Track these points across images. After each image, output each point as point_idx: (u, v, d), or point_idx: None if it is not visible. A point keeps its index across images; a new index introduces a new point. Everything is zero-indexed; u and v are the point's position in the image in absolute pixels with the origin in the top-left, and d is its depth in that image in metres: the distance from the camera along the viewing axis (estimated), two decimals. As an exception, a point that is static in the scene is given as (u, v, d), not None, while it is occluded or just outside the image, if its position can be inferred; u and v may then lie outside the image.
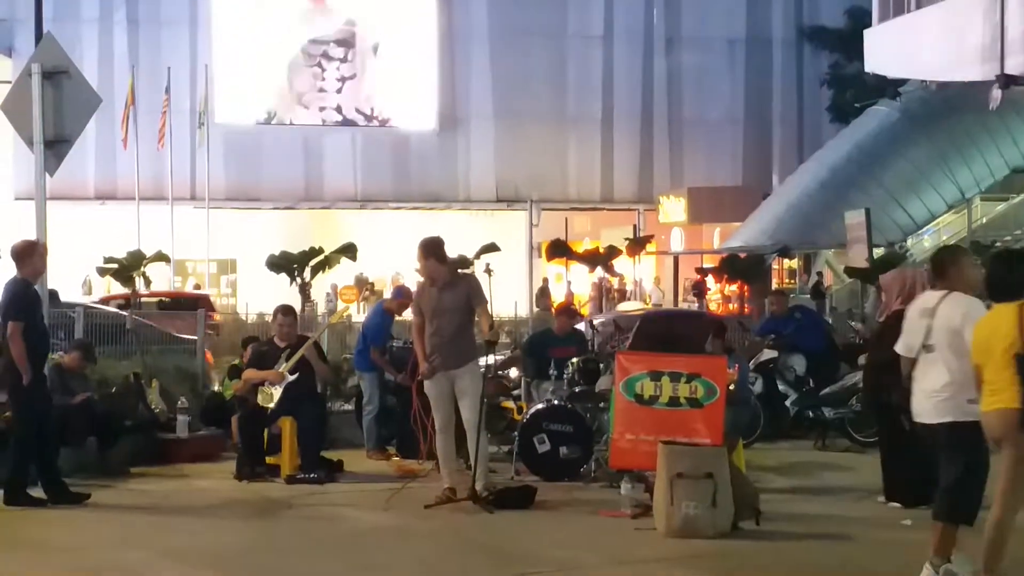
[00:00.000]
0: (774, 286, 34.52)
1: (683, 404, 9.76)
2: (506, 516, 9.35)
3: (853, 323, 19.18)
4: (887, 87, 36.93)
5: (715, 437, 9.46)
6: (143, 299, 25.35)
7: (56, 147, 11.10)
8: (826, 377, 14.01)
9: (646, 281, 43.66)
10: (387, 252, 38.31)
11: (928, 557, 7.04)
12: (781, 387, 14.18)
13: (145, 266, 25.83)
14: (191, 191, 42.10)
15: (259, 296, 28.97)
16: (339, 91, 46.17)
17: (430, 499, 9.62)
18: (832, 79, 45.75)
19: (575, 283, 39.81)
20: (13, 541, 8.64)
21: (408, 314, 11.48)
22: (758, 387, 13.94)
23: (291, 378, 11.21)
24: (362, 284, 40.45)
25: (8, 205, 38.80)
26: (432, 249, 9.93)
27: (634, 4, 48.42)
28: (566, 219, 42.32)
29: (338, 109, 46.37)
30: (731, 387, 10.82)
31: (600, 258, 36.91)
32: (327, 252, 24.94)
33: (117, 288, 28.54)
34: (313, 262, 24.56)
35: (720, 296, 37.79)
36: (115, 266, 25.79)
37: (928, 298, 7.38)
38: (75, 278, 34.27)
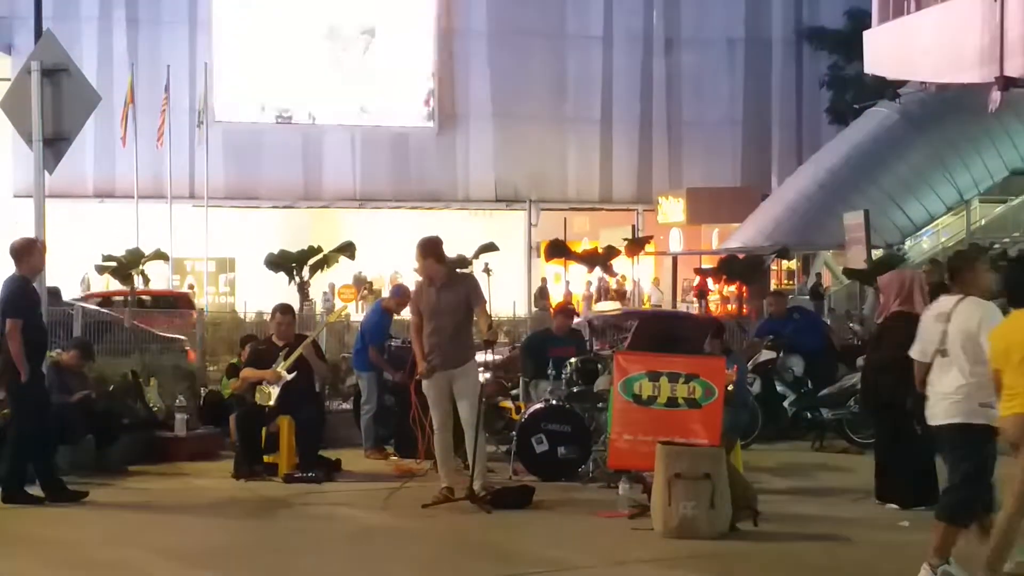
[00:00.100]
0: (773, 287, 34.40)
1: (681, 404, 9.74)
2: (504, 516, 9.35)
3: (851, 324, 19.14)
4: (886, 89, 36.85)
5: (713, 438, 9.45)
6: (119, 297, 25.36)
7: (55, 145, 11.11)
8: (824, 378, 14.01)
9: (644, 281, 43.64)
10: (386, 251, 38.35)
11: (927, 558, 7.05)
12: (779, 388, 14.17)
13: (143, 264, 25.77)
14: (190, 189, 42.09)
15: (258, 295, 28.97)
16: (339, 90, 46.12)
17: (428, 499, 9.61)
18: (831, 80, 45.67)
19: (573, 283, 39.79)
20: (11, 539, 8.65)
21: (406, 313, 11.47)
22: (756, 388, 13.93)
23: (289, 377, 11.20)
24: (360, 283, 40.45)
25: (7, 203, 38.79)
26: (431, 249, 9.92)
27: (633, 5, 48.40)
28: (565, 219, 42.33)
29: (338, 108, 46.32)
30: (729, 388, 10.80)
31: (599, 258, 36.83)
32: (326, 251, 24.84)
33: (116, 287, 28.49)
34: (312, 261, 24.45)
35: (719, 297, 37.75)
36: (113, 264, 25.72)
37: (943, 303, 7.36)
38: (74, 276, 34.24)
